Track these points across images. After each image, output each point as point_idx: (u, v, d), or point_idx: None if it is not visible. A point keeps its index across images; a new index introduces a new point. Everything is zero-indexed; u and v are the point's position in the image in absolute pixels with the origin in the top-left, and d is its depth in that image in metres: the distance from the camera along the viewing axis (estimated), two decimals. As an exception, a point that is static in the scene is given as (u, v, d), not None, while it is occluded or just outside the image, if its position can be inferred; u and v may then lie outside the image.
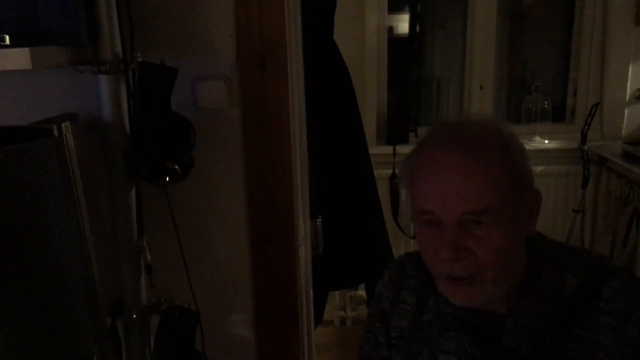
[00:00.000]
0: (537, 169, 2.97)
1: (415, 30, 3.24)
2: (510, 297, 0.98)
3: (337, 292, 3.09)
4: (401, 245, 2.99)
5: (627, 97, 3.04)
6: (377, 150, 2.95)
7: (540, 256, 1.00)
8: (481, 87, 3.19)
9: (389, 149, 2.99)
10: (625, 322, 0.92)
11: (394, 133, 3.06)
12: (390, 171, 2.97)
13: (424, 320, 1.08)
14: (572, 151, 3.06)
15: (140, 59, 1.24)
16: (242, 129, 1.44)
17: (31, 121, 1.18)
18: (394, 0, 3.13)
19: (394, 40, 3.18)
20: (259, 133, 1.43)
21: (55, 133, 1.00)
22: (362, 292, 3.08)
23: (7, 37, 1.02)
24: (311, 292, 1.62)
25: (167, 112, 1.27)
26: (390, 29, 3.19)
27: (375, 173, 2.24)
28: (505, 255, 0.92)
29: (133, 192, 1.29)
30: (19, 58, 1.01)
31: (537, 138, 3.14)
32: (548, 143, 3.12)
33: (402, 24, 3.22)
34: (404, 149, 2.97)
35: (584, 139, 2.95)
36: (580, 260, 1.00)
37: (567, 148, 3.08)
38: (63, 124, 1.00)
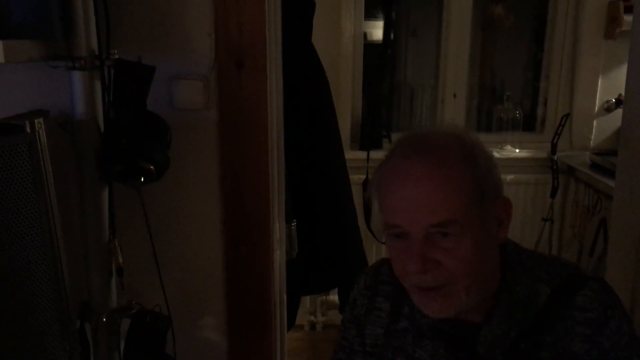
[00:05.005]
0: (508, 177, 3.00)
1: (389, 37, 3.25)
2: (484, 306, 0.98)
3: (307, 296, 3.07)
4: (373, 250, 2.98)
5: (596, 108, 3.10)
6: (350, 155, 2.94)
7: (514, 265, 1.00)
8: (454, 96, 3.21)
9: (362, 154, 2.98)
10: (599, 332, 0.93)
11: (367, 138, 3.06)
12: (363, 176, 2.97)
13: (399, 328, 1.07)
14: (542, 160, 3.10)
15: (116, 56, 1.21)
16: (219, 130, 1.42)
17: (-1, 117, 1.15)
18: (368, 7, 3.14)
19: (367, 46, 3.19)
20: (236, 134, 1.41)
21: (28, 129, 0.97)
22: (333, 296, 3.06)
23: (-22, 29, 0.99)
24: (285, 297, 1.61)
25: (143, 111, 1.24)
26: (364, 35, 3.20)
27: (349, 178, 2.23)
28: (475, 264, 0.92)
29: (105, 192, 1.26)
30: (-10, 51, 0.97)
31: (508, 147, 3.18)
32: (519, 152, 3.16)
33: (376, 31, 3.23)
34: (378, 155, 2.97)
35: (553, 148, 3.00)
36: (554, 268, 1.01)
37: (537, 157, 3.12)
38: (36, 120, 0.97)
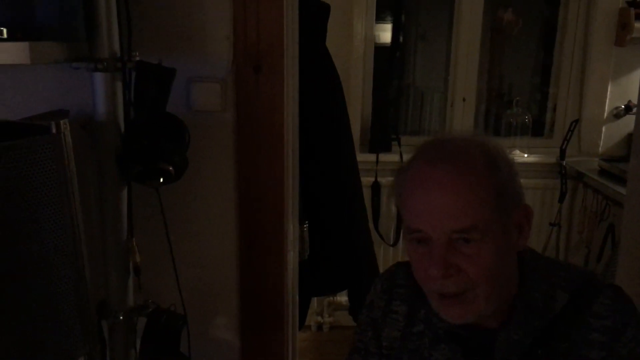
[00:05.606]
0: (517, 182, 3.00)
1: (397, 40, 3.26)
2: (501, 312, 0.99)
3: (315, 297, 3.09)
4: (381, 253, 3.00)
5: (605, 115, 3.11)
6: (359, 157, 2.92)
7: (532, 271, 1.00)
8: (464, 100, 3.22)
9: (371, 157, 3.00)
10: (615, 340, 0.93)
11: (376, 141, 3.07)
12: (372, 179, 2.99)
13: (415, 331, 1.08)
14: (551, 166, 3.11)
15: (137, 58, 1.23)
16: (235, 133, 1.43)
17: (19, 116, 1.16)
18: (377, 10, 3.14)
19: (376, 49, 3.19)
20: (252, 137, 1.43)
21: (53, 130, 0.98)
22: (340, 298, 3.08)
23: (5, 30, 1.00)
24: (297, 298, 1.62)
25: (162, 113, 1.26)
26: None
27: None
28: (496, 271, 0.93)
29: (124, 192, 1.27)
30: (17, 52, 0.99)
31: (517, 151, 3.19)
32: (527, 157, 3.17)
33: (384, 33, 3.24)
34: (387, 157, 2.99)
35: (562, 154, 3.00)
36: (570, 275, 1.02)
37: (546, 162, 3.13)
38: (62, 121, 0.98)
